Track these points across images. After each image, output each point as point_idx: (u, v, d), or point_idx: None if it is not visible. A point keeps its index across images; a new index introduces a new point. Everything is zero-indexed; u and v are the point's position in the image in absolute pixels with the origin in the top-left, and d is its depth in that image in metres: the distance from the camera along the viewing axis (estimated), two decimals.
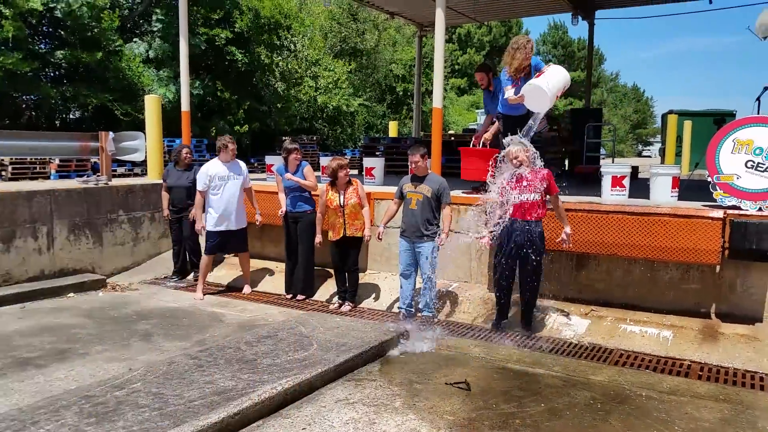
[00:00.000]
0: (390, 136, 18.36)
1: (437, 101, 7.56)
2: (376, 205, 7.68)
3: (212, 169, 7.36)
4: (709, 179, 6.00)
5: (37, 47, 14.95)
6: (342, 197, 6.73)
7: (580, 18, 13.75)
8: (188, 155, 8.16)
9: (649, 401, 4.52)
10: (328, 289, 7.59)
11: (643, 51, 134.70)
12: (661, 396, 4.62)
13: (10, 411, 3.92)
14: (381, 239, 6.77)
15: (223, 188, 7.35)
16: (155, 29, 16.38)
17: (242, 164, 7.64)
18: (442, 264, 7.13)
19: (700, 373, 5.17)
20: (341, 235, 6.77)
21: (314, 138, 18.76)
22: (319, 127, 23.24)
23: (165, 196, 8.18)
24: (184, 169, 8.11)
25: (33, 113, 16.32)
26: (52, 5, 13.95)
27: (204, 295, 7.52)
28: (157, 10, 16.44)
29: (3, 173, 10.93)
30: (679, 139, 18.38)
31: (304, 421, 4.02)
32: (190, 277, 8.35)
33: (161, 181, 8.40)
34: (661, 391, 4.73)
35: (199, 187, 7.34)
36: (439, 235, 6.24)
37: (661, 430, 4.04)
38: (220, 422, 3.76)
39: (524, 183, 5.77)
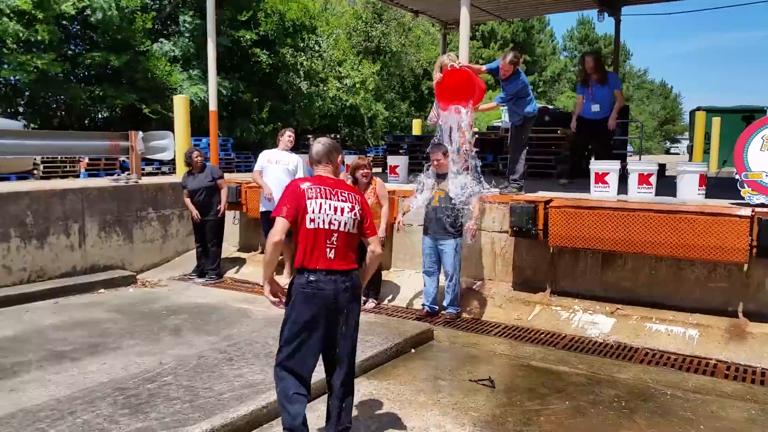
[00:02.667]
0: (414, 134, 18.39)
1: None
2: (400, 203, 7.72)
3: (267, 152, 7.99)
4: (737, 177, 5.94)
5: (68, 49, 15.29)
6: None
7: (606, 14, 13.63)
8: (199, 158, 8.26)
9: (674, 400, 4.51)
10: None
11: (671, 47, 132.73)
12: (687, 395, 4.61)
13: (49, 401, 4.06)
14: (399, 230, 6.85)
15: (267, 170, 7.77)
16: (182, 30, 16.63)
17: (295, 156, 7.89)
18: (466, 261, 7.18)
19: (727, 373, 5.13)
20: None
21: (337, 137, 18.89)
22: (341, 126, 23.37)
23: (188, 201, 8.29)
24: (199, 171, 8.25)
25: (63, 114, 16.68)
26: (86, 12, 14.26)
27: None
28: (183, 11, 16.69)
29: (35, 172, 11.22)
30: (707, 136, 18.12)
31: (322, 417, 4.09)
32: (228, 274, 8.49)
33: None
34: (686, 389, 4.72)
35: (255, 167, 7.98)
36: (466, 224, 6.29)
37: (686, 429, 4.04)
38: (250, 414, 3.86)
39: None
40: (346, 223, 3.36)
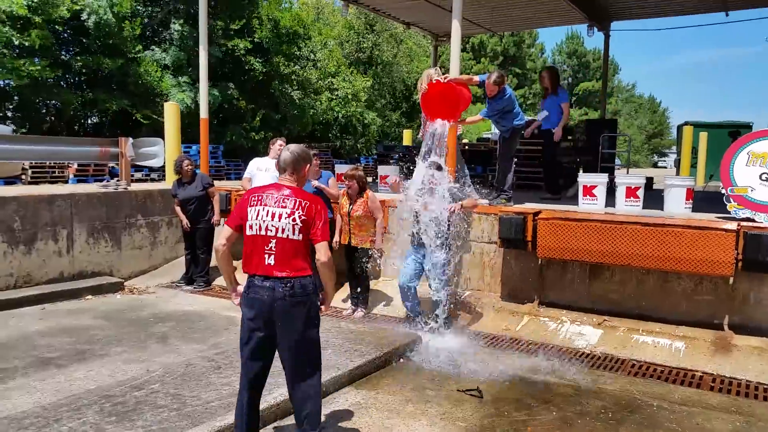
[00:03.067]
0: (404, 144, 18.45)
1: None
2: (391, 213, 7.75)
3: (257, 160, 8.14)
4: (724, 191, 6.02)
5: (60, 54, 15.23)
6: (350, 206, 6.84)
7: (595, 29, 13.78)
8: (189, 166, 8.22)
9: (661, 411, 4.55)
10: (342, 294, 7.66)
11: (659, 62, 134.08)
12: (673, 406, 4.64)
13: (34, 408, 4.03)
14: (381, 255, 6.94)
15: (256, 178, 7.83)
16: (173, 38, 16.63)
17: None
18: (455, 271, 7.20)
19: (712, 385, 5.17)
20: (346, 242, 6.90)
21: (328, 146, 18.91)
22: (333, 135, 23.41)
23: (179, 210, 8.26)
24: (189, 179, 8.23)
25: (53, 119, 16.60)
26: (81, 15, 14.24)
27: None
28: (175, 20, 16.69)
29: (23, 177, 11.15)
30: (695, 150, 18.31)
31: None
32: (217, 282, 8.47)
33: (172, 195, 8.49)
34: (672, 401, 4.75)
35: (245, 174, 8.15)
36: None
37: None
38: None
39: None
40: (284, 229, 3.33)
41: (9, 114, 15.92)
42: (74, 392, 4.40)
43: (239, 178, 8.93)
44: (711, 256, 5.67)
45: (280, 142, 8.00)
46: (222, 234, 3.41)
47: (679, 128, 22.06)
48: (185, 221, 8.18)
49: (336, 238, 7.08)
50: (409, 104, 30.04)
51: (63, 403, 4.10)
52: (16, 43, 13.07)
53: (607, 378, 5.25)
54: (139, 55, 15.61)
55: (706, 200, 8.11)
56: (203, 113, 9.72)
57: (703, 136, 17.96)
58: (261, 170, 7.84)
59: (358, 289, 7.11)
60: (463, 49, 43.32)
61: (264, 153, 9.26)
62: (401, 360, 5.54)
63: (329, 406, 4.41)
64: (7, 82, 13.90)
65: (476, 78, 7.52)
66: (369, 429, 4.07)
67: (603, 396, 4.83)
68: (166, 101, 12.43)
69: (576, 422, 4.31)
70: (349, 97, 22.68)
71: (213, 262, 8.85)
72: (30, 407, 4.09)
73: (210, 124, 10.25)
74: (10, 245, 7.36)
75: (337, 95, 22.27)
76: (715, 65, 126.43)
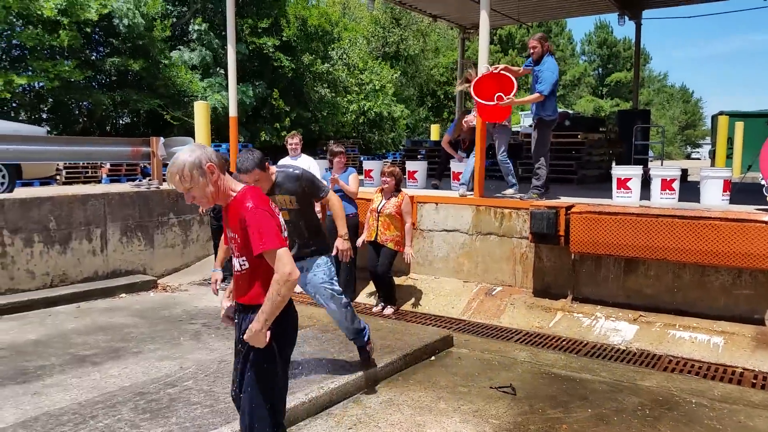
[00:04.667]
0: (432, 139, 18.37)
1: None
2: (419, 209, 7.72)
3: (280, 164, 7.74)
4: (763, 182, 5.85)
5: (90, 55, 15.51)
6: (382, 203, 6.79)
7: (626, 18, 13.52)
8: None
9: (700, 408, 4.43)
10: (370, 292, 7.65)
11: (691, 50, 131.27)
12: (712, 403, 4.52)
13: (71, 405, 4.09)
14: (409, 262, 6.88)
15: None
16: (201, 38, 16.80)
17: (306, 160, 7.77)
18: (486, 267, 7.14)
19: (754, 381, 5.03)
20: (373, 237, 6.84)
21: (357, 142, 18.94)
22: (362, 131, 23.42)
23: None
24: None
25: (86, 119, 16.91)
26: (113, 19, 14.47)
27: None
28: (202, 20, 16.86)
29: (57, 177, 11.37)
30: (730, 140, 17.88)
31: (350, 422, 4.08)
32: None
33: None
34: (712, 398, 4.63)
35: None
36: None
37: None
38: None
39: None
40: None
41: (44, 116, 16.28)
42: (109, 389, 4.46)
43: None
44: (750, 249, 5.51)
45: (289, 140, 7.90)
46: (286, 257, 2.56)
47: (714, 118, 21.57)
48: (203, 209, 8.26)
49: (363, 237, 7.04)
50: (435, 99, 29.90)
51: (98, 400, 4.15)
52: (47, 44, 13.34)
53: (644, 374, 5.14)
54: (165, 60, 15.81)
55: (743, 192, 7.89)
56: (232, 111, 9.79)
57: (739, 125, 17.51)
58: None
59: (383, 288, 7.06)
60: (491, 41, 43.02)
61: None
62: (432, 357, 5.50)
63: (361, 402, 4.40)
64: (41, 84, 14.21)
65: (521, 69, 7.39)
66: (401, 425, 4.05)
67: (640, 392, 4.72)
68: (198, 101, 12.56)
69: (612, 419, 4.23)
70: (377, 88, 22.67)
71: None
72: (67, 404, 4.16)
73: (245, 122, 10.33)
74: (46, 245, 7.50)
75: (366, 89, 22.27)
76: (750, 52, 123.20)
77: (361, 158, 16.50)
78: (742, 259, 5.57)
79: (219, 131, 12.41)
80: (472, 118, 8.26)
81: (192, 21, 16.77)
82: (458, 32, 15.78)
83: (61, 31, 13.39)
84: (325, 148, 12.77)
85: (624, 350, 5.77)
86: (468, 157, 8.23)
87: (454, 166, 8.63)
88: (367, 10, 24.22)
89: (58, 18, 13.27)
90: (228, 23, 9.70)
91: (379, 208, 6.79)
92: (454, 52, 26.46)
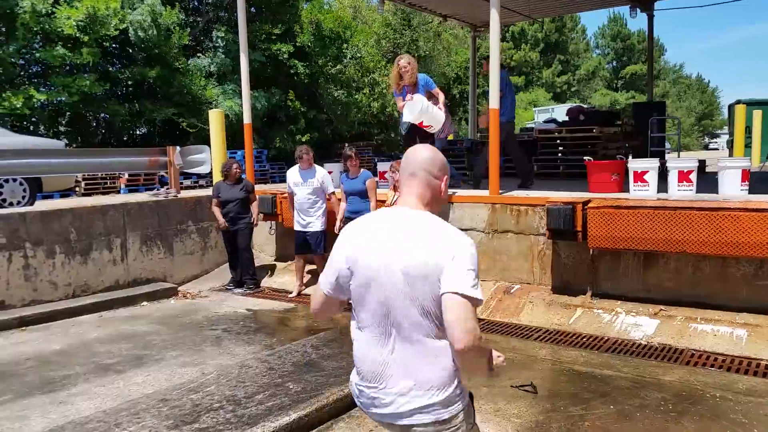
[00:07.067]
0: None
1: (494, 102, 7.51)
2: None
3: (290, 175, 8.01)
4: None
5: (107, 67, 15.71)
6: (394, 199, 6.81)
7: (638, 10, 13.41)
8: (237, 170, 8.38)
9: (724, 402, 4.38)
10: None
11: (706, 40, 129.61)
12: (737, 397, 4.47)
13: (96, 413, 4.15)
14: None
15: (296, 193, 7.87)
16: (217, 45, 16.94)
17: (319, 171, 7.87)
18: (504, 265, 7.11)
19: None
20: None
21: (370, 142, 18.97)
22: (375, 131, 23.46)
23: (217, 210, 8.35)
24: (234, 182, 8.35)
25: (104, 131, 17.13)
26: (129, 33, 14.65)
27: (298, 294, 8.00)
28: (218, 27, 17.00)
29: (77, 189, 11.53)
30: (748, 129, 17.62)
31: (372, 423, 4.09)
32: (265, 283, 8.59)
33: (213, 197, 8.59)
34: (736, 391, 4.58)
35: (287, 188, 8.12)
36: None
37: None
38: (292, 423, 3.87)
39: None
40: None
41: (62, 129, 16.51)
42: (133, 396, 4.52)
43: (284, 180, 9.00)
44: None
45: (298, 155, 7.93)
46: None
47: (731, 107, 21.26)
48: (222, 220, 8.28)
49: None
50: (448, 98, 29.85)
51: (122, 408, 4.21)
52: (68, 61, 13.55)
53: (666, 369, 5.09)
54: (182, 66, 15.96)
55: (763, 181, 7.79)
56: (246, 118, 9.85)
57: (758, 114, 17.24)
58: (297, 185, 7.84)
59: None
60: (503, 38, 42.86)
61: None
62: None
63: None
64: (59, 99, 14.41)
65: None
66: None
67: (662, 387, 4.68)
68: (212, 109, 12.67)
69: (635, 415, 4.20)
70: (388, 90, 22.71)
71: (258, 261, 9.00)
72: (92, 412, 4.22)
73: (258, 129, 10.40)
74: (68, 256, 7.61)
75: (376, 91, 22.30)
76: (766, 39, 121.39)
77: (375, 159, 16.52)
78: (763, 250, 5.49)
79: (235, 137, 12.47)
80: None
81: (216, 28, 16.94)
82: (469, 30, 15.74)
83: (83, 49, 13.57)
84: (339, 151, 12.83)
85: (645, 345, 5.72)
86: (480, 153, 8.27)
87: None
88: (377, 13, 24.30)
89: (77, 35, 13.45)
90: (240, 31, 9.77)
91: (392, 204, 6.81)
92: (467, 50, 26.39)
